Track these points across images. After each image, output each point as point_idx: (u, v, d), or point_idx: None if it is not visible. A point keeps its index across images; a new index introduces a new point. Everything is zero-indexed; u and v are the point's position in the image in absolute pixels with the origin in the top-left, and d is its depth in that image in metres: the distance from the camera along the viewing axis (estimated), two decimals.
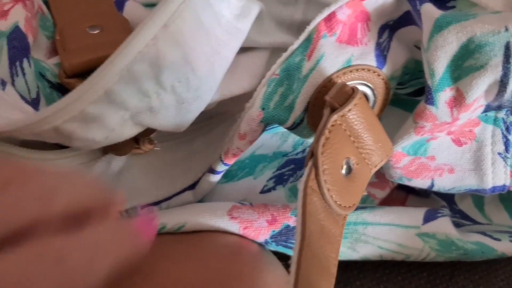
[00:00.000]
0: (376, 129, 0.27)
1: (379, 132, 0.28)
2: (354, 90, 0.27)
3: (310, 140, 0.34)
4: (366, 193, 0.35)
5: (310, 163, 0.25)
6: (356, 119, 0.26)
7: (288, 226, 0.30)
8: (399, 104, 0.33)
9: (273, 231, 0.30)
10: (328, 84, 0.28)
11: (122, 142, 0.28)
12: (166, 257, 0.28)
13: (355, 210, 0.30)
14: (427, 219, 0.31)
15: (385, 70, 0.29)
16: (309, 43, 0.27)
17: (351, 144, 0.26)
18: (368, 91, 0.29)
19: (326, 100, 0.26)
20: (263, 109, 0.28)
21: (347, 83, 0.27)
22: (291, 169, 0.34)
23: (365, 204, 0.34)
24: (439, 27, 0.25)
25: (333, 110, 0.26)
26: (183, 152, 0.34)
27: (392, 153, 0.29)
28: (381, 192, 0.35)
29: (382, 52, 0.29)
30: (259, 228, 0.30)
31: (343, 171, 0.26)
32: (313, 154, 0.25)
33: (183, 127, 0.29)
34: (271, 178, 0.34)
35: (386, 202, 0.35)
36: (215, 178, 0.31)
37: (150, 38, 0.24)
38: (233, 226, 0.29)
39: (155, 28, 0.24)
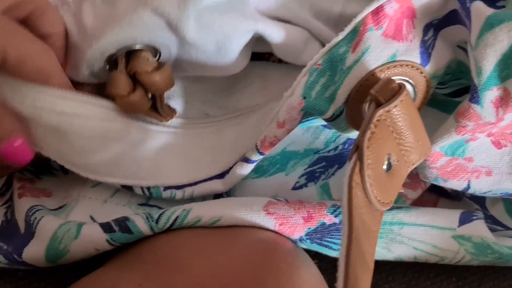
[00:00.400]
0: (418, 127, 0.27)
1: (421, 131, 0.27)
2: (400, 86, 0.26)
3: (343, 138, 0.34)
4: (398, 194, 0.34)
5: (354, 157, 0.25)
6: (401, 115, 0.26)
7: (324, 223, 0.29)
8: (435, 104, 0.33)
9: (309, 228, 0.29)
10: (370, 78, 0.28)
11: (139, 99, 0.28)
12: (202, 252, 0.27)
13: (391, 209, 0.30)
14: (463, 221, 0.31)
15: (428, 68, 0.29)
16: (354, 35, 0.27)
17: (393, 140, 0.26)
18: (409, 87, 0.28)
19: (371, 93, 0.26)
20: (304, 97, 0.28)
21: (393, 78, 0.27)
22: (322, 167, 0.34)
23: (396, 204, 0.34)
24: (490, 25, 0.25)
25: (378, 104, 0.25)
26: (211, 141, 0.33)
27: (430, 153, 0.29)
28: (413, 193, 0.34)
29: (426, 50, 0.28)
30: (294, 225, 0.29)
31: (384, 167, 0.26)
32: (358, 147, 0.25)
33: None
34: (302, 175, 0.33)
35: (417, 204, 0.34)
36: (249, 167, 0.31)
37: None
38: (269, 222, 0.29)
39: None
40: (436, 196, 0.36)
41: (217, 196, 0.33)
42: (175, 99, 0.34)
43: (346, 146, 0.34)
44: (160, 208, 0.32)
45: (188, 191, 0.32)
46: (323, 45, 0.29)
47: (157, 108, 0.30)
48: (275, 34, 0.31)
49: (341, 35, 0.27)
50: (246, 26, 0.30)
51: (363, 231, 0.24)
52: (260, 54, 0.35)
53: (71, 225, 0.28)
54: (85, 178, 0.31)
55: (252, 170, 0.33)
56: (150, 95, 0.30)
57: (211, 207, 0.29)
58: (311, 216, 0.29)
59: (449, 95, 0.32)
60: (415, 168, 0.33)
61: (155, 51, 0.30)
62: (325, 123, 0.31)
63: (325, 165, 0.34)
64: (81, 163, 0.30)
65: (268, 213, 0.29)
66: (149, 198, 0.32)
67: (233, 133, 0.33)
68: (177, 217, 0.28)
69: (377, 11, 0.27)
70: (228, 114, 0.34)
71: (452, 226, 0.31)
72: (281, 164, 0.33)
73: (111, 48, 0.29)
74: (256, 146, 0.30)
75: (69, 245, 0.28)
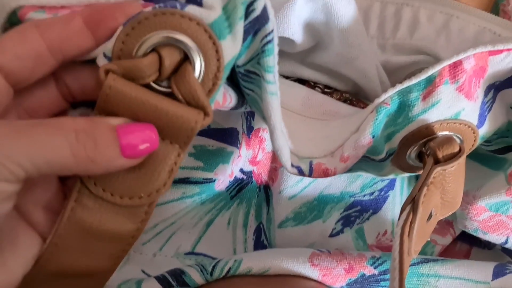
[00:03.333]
0: (460, 185, 0.28)
1: (460, 188, 0.29)
2: (460, 149, 0.27)
3: (380, 185, 0.35)
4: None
5: (408, 209, 0.26)
6: (453, 175, 0.27)
7: (364, 275, 0.30)
8: (476, 157, 0.34)
9: (350, 279, 0.30)
10: (426, 129, 0.28)
11: None
12: None
13: (427, 262, 0.31)
14: (497, 274, 0.32)
15: (481, 130, 0.29)
16: (428, 84, 0.27)
17: (439, 195, 0.27)
18: (459, 142, 0.29)
19: (432, 147, 0.27)
20: (373, 136, 0.28)
21: (454, 139, 0.27)
22: (357, 211, 0.35)
23: (425, 249, 0.35)
24: None
25: (436, 160, 0.27)
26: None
27: (457, 208, 0.29)
28: (442, 239, 0.35)
29: (484, 112, 0.29)
30: (337, 276, 0.30)
31: (427, 219, 0.27)
32: (413, 201, 0.26)
33: None
34: (338, 220, 0.34)
35: (450, 253, 0.36)
36: (293, 171, 0.29)
37: None
38: (313, 272, 0.30)
39: None
40: (469, 246, 0.37)
41: (258, 245, 0.34)
42: None
43: (383, 193, 0.34)
44: (205, 255, 0.32)
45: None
46: None
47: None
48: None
49: (415, 80, 0.27)
50: None
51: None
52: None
53: (130, 284, 0.29)
54: None
55: (291, 218, 0.34)
56: None
57: (261, 258, 0.30)
58: (352, 268, 0.30)
59: (494, 151, 0.33)
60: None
61: None
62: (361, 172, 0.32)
63: (360, 209, 0.35)
64: None
65: (312, 265, 0.30)
66: (194, 245, 0.33)
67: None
68: (229, 268, 0.29)
69: (455, 65, 0.27)
70: None
71: (486, 279, 0.31)
72: (318, 211, 0.34)
73: None
74: (311, 165, 0.29)
75: None
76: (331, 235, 0.34)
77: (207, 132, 0.32)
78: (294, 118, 0.31)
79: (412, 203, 0.26)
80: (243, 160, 0.33)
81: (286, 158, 0.27)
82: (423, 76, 0.27)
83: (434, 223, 0.28)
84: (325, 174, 0.29)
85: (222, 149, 0.32)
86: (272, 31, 0.23)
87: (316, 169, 0.29)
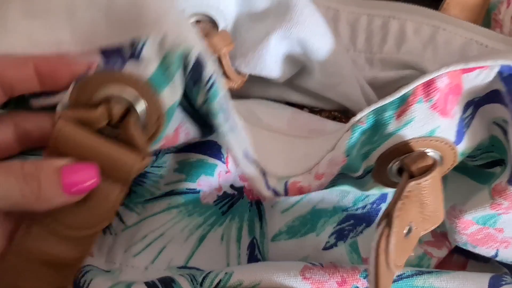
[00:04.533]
0: (438, 199, 0.29)
1: (440, 202, 0.29)
2: (434, 162, 0.28)
3: (372, 198, 0.35)
4: (422, 251, 0.35)
5: (383, 224, 0.26)
6: (429, 189, 0.27)
7: (357, 287, 0.31)
8: (465, 172, 0.34)
9: None
10: (405, 145, 0.29)
11: None
12: None
13: (421, 274, 0.31)
14: (493, 286, 0.31)
15: (459, 147, 0.30)
16: (402, 103, 0.28)
17: (417, 209, 0.28)
18: (438, 158, 0.30)
19: (406, 163, 0.27)
20: (347, 155, 0.29)
21: (427, 154, 0.28)
22: (351, 225, 0.35)
23: (421, 261, 0.35)
24: None
25: (410, 175, 0.27)
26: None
27: (440, 222, 0.30)
28: (438, 251, 0.35)
29: (462, 129, 0.29)
30: None
31: (405, 233, 0.27)
32: (388, 215, 0.26)
33: None
34: (332, 234, 0.35)
35: (447, 266, 0.35)
36: (268, 193, 0.31)
37: None
38: (305, 286, 0.30)
39: None
40: (465, 258, 0.36)
41: (252, 259, 0.34)
42: None
43: (375, 205, 0.35)
44: (198, 269, 0.33)
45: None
46: None
47: (225, 73, 0.31)
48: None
49: (389, 99, 0.28)
50: None
51: None
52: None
53: (120, 286, 0.30)
54: (126, 245, 0.33)
55: (284, 232, 0.34)
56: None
57: (252, 271, 0.30)
58: (345, 281, 0.30)
59: (481, 166, 0.33)
60: (438, 227, 0.35)
61: (213, 22, 0.31)
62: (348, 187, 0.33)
63: (353, 223, 0.35)
64: None
65: (304, 278, 0.30)
66: (187, 260, 0.34)
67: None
68: (220, 280, 0.30)
69: (429, 84, 0.27)
70: None
71: None
72: (312, 224, 0.35)
73: None
74: (286, 185, 0.30)
75: None
76: (325, 248, 0.35)
77: (188, 147, 0.34)
78: (279, 139, 0.32)
79: (387, 217, 0.26)
80: (233, 176, 0.34)
81: (258, 185, 0.30)
82: (397, 95, 0.28)
83: (416, 237, 0.29)
84: (300, 192, 0.30)
85: (203, 160, 0.34)
86: (211, 76, 0.26)
87: (291, 188, 0.30)
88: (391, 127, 0.28)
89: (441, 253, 0.35)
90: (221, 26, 0.31)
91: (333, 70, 0.32)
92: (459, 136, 0.29)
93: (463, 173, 0.34)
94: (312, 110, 0.35)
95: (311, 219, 0.35)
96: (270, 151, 0.30)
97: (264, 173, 0.31)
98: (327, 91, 0.33)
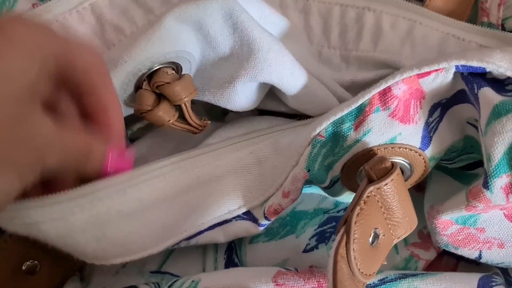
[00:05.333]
0: (406, 204, 0.28)
1: (408, 207, 0.28)
2: (393, 165, 0.27)
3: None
4: (409, 253, 0.34)
5: (342, 230, 0.26)
6: (390, 193, 0.27)
7: None
8: (449, 172, 0.33)
9: None
10: (367, 153, 0.28)
11: (164, 112, 0.30)
12: None
13: (406, 277, 0.30)
14: (482, 287, 0.30)
15: (427, 152, 0.29)
16: (359, 114, 0.27)
17: (381, 215, 0.27)
18: (406, 165, 0.29)
19: (364, 169, 0.26)
20: (308, 170, 0.29)
21: (387, 157, 0.27)
22: (332, 227, 0.34)
23: (408, 264, 0.34)
24: (497, 113, 0.25)
25: (370, 180, 0.26)
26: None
27: (414, 227, 0.29)
28: (425, 253, 0.34)
29: (428, 133, 0.29)
30: None
31: (370, 240, 0.26)
32: (346, 222, 0.26)
33: None
34: (313, 236, 0.34)
35: (436, 268, 0.34)
36: (257, 230, 0.31)
37: None
38: None
39: None
40: (455, 260, 0.35)
41: (229, 264, 0.34)
42: None
43: None
44: (172, 275, 0.33)
45: (192, 241, 0.32)
46: None
47: (186, 120, 0.31)
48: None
49: (346, 110, 0.27)
50: None
51: None
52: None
53: None
54: None
55: (262, 234, 0.34)
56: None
57: (220, 278, 0.30)
58: (321, 286, 0.30)
59: (462, 168, 0.32)
60: (424, 229, 0.34)
61: (176, 67, 0.30)
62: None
63: (335, 225, 0.34)
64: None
65: (277, 285, 0.29)
66: (161, 264, 0.34)
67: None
68: None
69: (385, 92, 0.27)
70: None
71: None
72: (291, 226, 0.34)
73: (142, 68, 0.29)
74: (264, 212, 0.31)
75: None
76: (305, 251, 0.34)
77: None
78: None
79: (345, 224, 0.26)
80: None
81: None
82: (353, 105, 0.27)
83: (386, 245, 0.28)
84: (276, 213, 0.30)
85: None
86: None
87: (268, 213, 0.30)
88: (350, 139, 0.28)
89: (428, 255, 0.34)
90: (185, 68, 0.30)
91: (306, 99, 0.31)
92: (425, 141, 0.28)
93: (447, 173, 0.33)
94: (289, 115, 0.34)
95: (290, 221, 0.34)
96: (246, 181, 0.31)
97: (256, 220, 0.31)
98: (303, 110, 0.33)
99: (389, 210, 0.27)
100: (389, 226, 0.27)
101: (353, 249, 0.25)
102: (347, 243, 0.25)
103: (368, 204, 0.26)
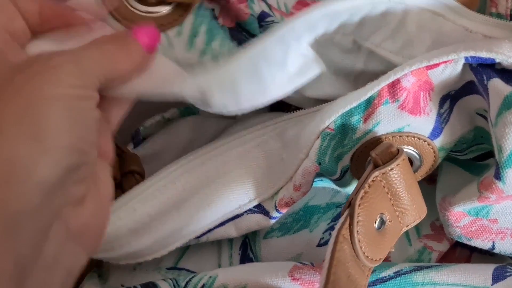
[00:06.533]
0: (414, 191, 0.28)
1: (416, 195, 0.28)
2: (399, 151, 0.27)
3: None
4: (422, 245, 0.34)
5: (346, 213, 0.26)
6: (397, 178, 0.27)
7: None
8: (460, 164, 0.33)
9: None
10: (375, 141, 0.29)
11: None
12: None
13: (420, 269, 0.30)
14: (497, 278, 0.30)
15: (437, 142, 0.29)
16: (368, 106, 0.28)
17: (387, 201, 0.27)
18: (415, 155, 0.29)
19: (371, 155, 0.27)
20: (319, 163, 0.29)
21: (393, 144, 0.27)
22: None
23: (421, 256, 0.34)
24: (508, 104, 0.25)
25: (376, 166, 0.27)
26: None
27: (424, 216, 0.29)
28: (438, 245, 0.34)
29: (440, 125, 0.29)
30: None
31: (376, 225, 0.27)
32: (350, 204, 0.26)
33: None
34: (326, 230, 0.35)
35: (449, 259, 0.34)
36: (269, 222, 0.32)
37: None
38: (294, 287, 0.29)
39: None
40: (469, 251, 0.35)
41: (244, 259, 0.34)
42: None
43: None
44: (188, 271, 0.34)
45: (202, 239, 0.33)
46: None
47: None
48: None
49: (355, 103, 0.28)
50: None
51: (347, 283, 0.25)
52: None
53: None
54: None
55: (276, 229, 0.34)
56: None
57: (237, 273, 0.30)
58: None
59: (474, 159, 0.32)
60: (436, 220, 0.34)
61: None
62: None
63: None
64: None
65: (293, 279, 0.29)
66: (177, 261, 0.35)
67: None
68: (203, 285, 0.29)
69: (393, 84, 0.27)
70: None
71: (486, 284, 0.30)
72: (305, 221, 0.35)
73: None
74: (275, 205, 0.31)
75: None
76: (319, 245, 0.34)
77: None
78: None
79: (349, 206, 0.26)
80: None
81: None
82: (362, 98, 0.27)
83: (394, 232, 0.28)
84: (287, 205, 0.31)
85: None
86: None
87: (280, 205, 0.31)
88: (359, 131, 0.28)
89: (442, 246, 0.34)
90: None
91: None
92: (436, 131, 0.29)
93: (458, 165, 0.33)
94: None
95: (304, 215, 0.35)
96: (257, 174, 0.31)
97: (267, 213, 0.32)
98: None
99: (396, 196, 0.27)
100: (397, 213, 0.27)
101: (357, 231, 0.25)
102: (351, 224, 0.26)
103: (373, 188, 0.26)
